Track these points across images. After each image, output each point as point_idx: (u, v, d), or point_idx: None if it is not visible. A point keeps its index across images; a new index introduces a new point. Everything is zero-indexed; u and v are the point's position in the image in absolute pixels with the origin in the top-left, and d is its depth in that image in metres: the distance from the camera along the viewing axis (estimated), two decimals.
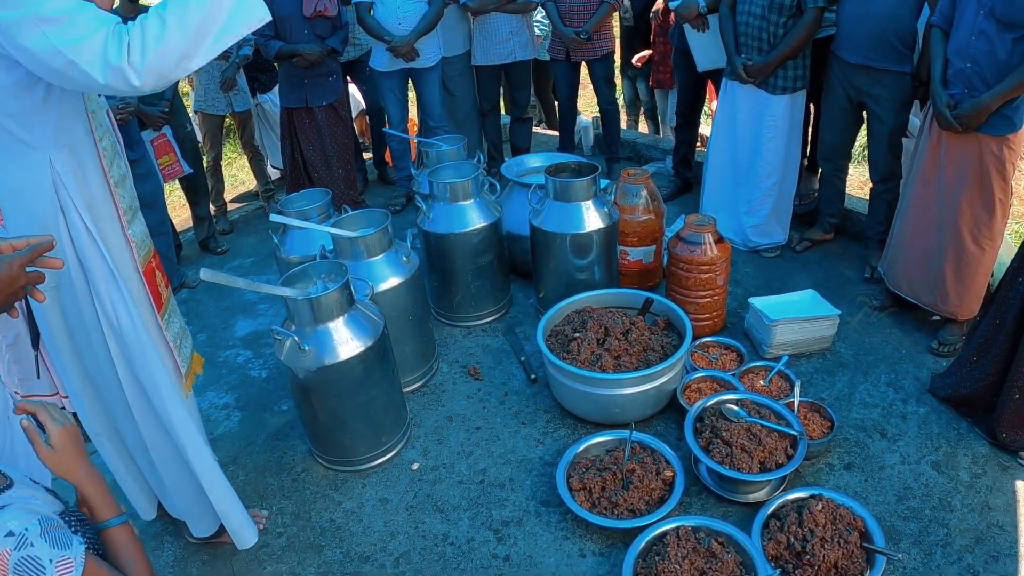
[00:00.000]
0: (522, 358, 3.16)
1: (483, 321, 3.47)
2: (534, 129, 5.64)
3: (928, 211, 2.85)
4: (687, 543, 2.06)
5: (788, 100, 3.50)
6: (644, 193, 3.37)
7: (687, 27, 3.87)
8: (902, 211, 3.02)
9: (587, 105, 7.03)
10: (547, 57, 4.89)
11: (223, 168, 5.23)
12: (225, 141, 5.91)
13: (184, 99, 4.62)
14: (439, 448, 2.74)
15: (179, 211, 5.46)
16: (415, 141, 4.24)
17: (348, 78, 4.97)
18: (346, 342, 2.39)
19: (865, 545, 2.04)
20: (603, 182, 3.23)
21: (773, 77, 3.46)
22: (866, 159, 3.75)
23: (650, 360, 2.67)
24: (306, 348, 2.35)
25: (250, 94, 5.02)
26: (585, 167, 3.23)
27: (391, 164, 5.20)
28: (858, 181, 4.81)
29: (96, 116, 1.74)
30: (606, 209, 3.13)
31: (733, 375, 2.75)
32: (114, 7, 1.99)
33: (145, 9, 2.67)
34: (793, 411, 2.49)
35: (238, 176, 6.38)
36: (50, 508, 1.22)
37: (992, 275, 2.92)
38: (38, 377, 2.64)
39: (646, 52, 5.14)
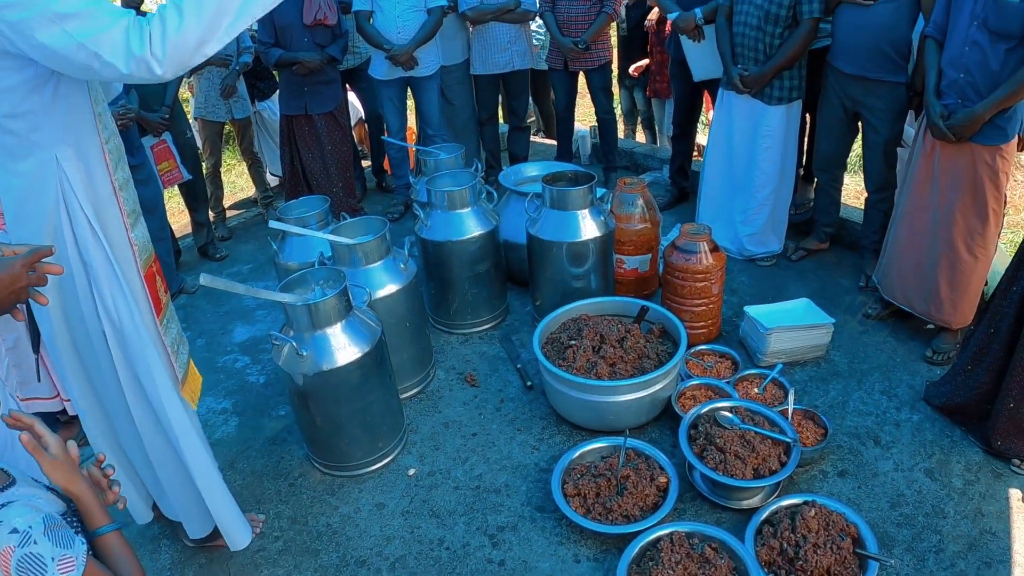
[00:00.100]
0: (518, 365, 3.18)
1: (480, 328, 3.49)
2: (532, 138, 5.67)
3: (922, 220, 2.87)
4: (681, 549, 2.07)
5: (784, 110, 3.53)
6: (640, 202, 3.39)
7: (683, 37, 3.89)
8: (896, 220, 3.04)
9: (585, 114, 7.07)
10: (545, 67, 4.92)
11: (222, 175, 5.25)
12: (225, 148, 5.94)
13: (184, 105, 4.63)
14: (435, 454, 2.75)
15: (178, 217, 5.48)
16: (413, 149, 4.25)
17: (347, 86, 4.99)
18: (344, 348, 2.41)
19: (858, 551, 2.05)
20: (600, 191, 3.24)
21: (769, 87, 3.48)
22: (861, 169, 3.77)
23: (645, 368, 2.68)
24: (304, 353, 2.36)
25: (249, 101, 5.05)
26: (582, 176, 3.25)
27: (389, 172, 5.22)
28: (854, 191, 4.84)
29: (103, 119, 1.77)
30: (602, 218, 3.14)
31: (728, 383, 2.77)
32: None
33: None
34: (787, 418, 2.50)
35: (237, 183, 6.41)
36: (52, 507, 1.23)
37: (987, 284, 2.94)
38: (39, 380, 2.66)
39: (643, 62, 5.17)
